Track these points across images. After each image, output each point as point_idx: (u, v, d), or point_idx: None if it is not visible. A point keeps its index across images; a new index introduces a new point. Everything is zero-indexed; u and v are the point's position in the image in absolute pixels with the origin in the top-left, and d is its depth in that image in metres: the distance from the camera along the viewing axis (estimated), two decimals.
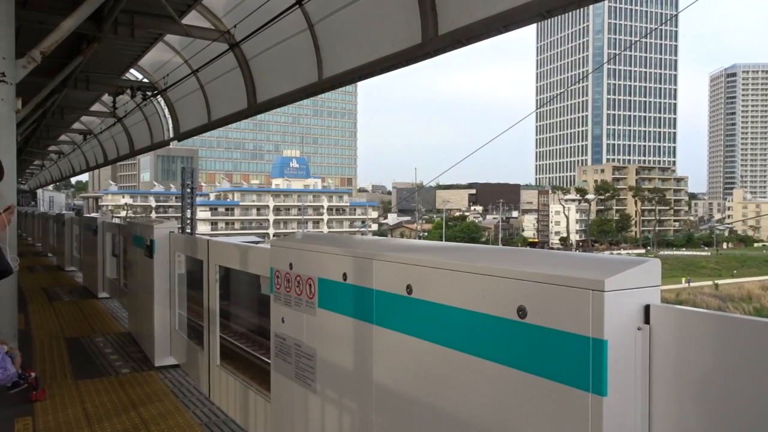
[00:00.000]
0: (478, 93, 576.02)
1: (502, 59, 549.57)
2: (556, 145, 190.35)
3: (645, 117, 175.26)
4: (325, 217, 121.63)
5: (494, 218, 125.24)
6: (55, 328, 8.84)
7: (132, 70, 11.99)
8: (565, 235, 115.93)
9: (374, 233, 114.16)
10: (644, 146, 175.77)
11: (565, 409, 1.75)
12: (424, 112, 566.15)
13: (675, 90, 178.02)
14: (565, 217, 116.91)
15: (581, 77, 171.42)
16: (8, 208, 3.97)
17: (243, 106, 10.17)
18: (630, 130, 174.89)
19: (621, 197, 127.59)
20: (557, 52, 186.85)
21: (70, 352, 7.40)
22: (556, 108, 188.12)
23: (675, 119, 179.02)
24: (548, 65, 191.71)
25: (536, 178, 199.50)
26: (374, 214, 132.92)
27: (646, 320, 1.72)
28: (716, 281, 78.02)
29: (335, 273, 2.96)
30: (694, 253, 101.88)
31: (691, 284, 76.00)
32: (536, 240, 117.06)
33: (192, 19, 8.59)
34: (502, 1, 5.07)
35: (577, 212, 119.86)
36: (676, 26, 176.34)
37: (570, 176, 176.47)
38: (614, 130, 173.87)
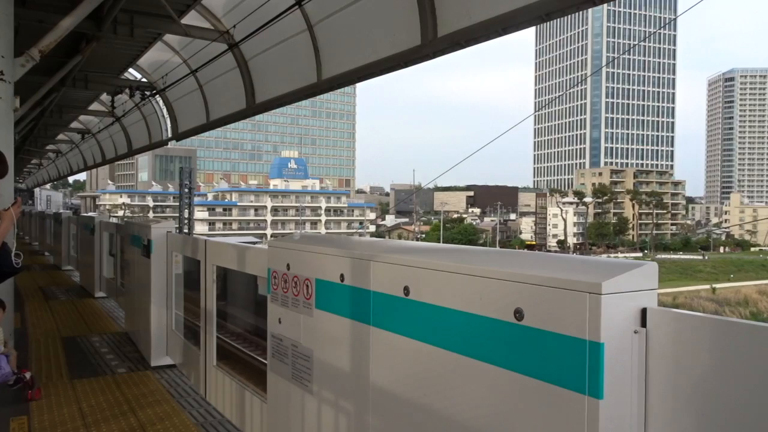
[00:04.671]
0: (476, 95, 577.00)
1: (502, 62, 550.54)
2: (554, 147, 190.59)
3: (643, 120, 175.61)
4: (323, 218, 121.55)
5: (492, 220, 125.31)
6: (52, 327, 8.82)
7: (131, 70, 11.97)
8: (562, 237, 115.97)
9: (372, 234, 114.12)
10: (642, 150, 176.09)
11: (562, 412, 1.75)
12: (423, 114, 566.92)
13: (673, 94, 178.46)
14: (563, 220, 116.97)
15: (580, 80, 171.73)
16: (15, 202, 4.09)
17: (242, 106, 10.16)
18: (628, 134, 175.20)
19: (618, 200, 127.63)
20: (556, 55, 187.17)
21: (66, 351, 7.39)
22: (555, 111, 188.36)
23: (673, 123, 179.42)
24: (547, 68, 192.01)
25: (534, 181, 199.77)
26: (372, 216, 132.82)
27: (643, 323, 1.72)
28: (713, 285, 78.09)
29: (332, 274, 2.96)
30: (691, 257, 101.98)
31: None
32: (534, 242, 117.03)
33: (191, 19, 8.58)
34: (501, 4, 5.07)
35: (574, 215, 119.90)
36: (675, 30, 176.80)
37: (568, 179, 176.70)
38: (612, 133, 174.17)
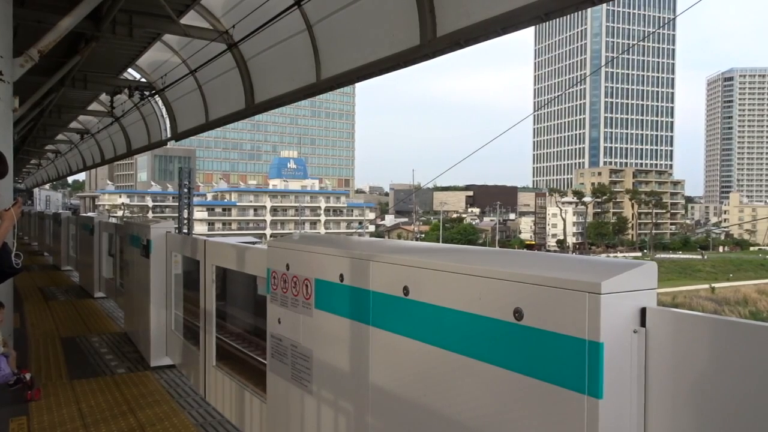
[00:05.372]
0: (476, 95, 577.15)
1: (501, 62, 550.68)
2: (554, 147, 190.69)
3: (642, 120, 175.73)
4: (323, 218, 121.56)
5: (491, 220, 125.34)
6: (51, 327, 8.81)
7: (130, 70, 11.97)
8: (561, 237, 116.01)
9: (371, 234, 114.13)
10: (641, 149, 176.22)
11: (561, 412, 1.75)
12: (422, 114, 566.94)
13: (672, 93, 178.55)
14: (562, 220, 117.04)
15: (579, 80, 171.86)
16: (16, 202, 4.12)
17: (241, 106, 10.16)
18: (627, 133, 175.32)
19: (618, 200, 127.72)
20: (555, 55, 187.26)
21: (65, 351, 7.38)
22: (554, 111, 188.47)
23: (672, 123, 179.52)
24: (546, 68, 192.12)
25: (533, 181, 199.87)
26: (371, 216, 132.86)
27: (642, 323, 1.72)
28: (713, 285, 78.16)
29: (332, 274, 2.96)
30: (690, 256, 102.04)
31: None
32: (533, 242, 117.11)
33: (190, 18, 8.58)
34: (500, 4, 5.07)
35: (574, 215, 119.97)
36: (674, 30, 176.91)
37: (567, 179, 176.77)
38: (611, 133, 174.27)
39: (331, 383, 3.02)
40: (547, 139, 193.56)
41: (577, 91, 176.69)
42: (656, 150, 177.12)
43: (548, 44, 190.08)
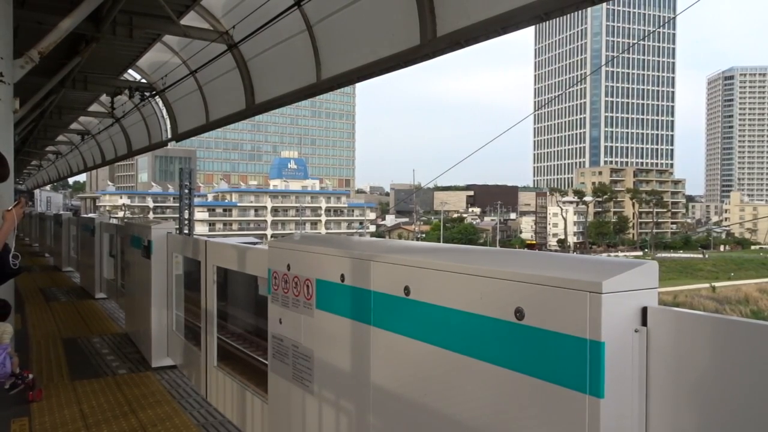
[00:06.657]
0: (476, 95, 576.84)
1: (501, 61, 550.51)
2: (554, 147, 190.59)
3: (643, 119, 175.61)
4: (323, 218, 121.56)
5: (492, 220, 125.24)
6: (52, 328, 8.82)
7: (130, 71, 11.98)
8: (562, 237, 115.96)
9: (372, 234, 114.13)
10: (642, 149, 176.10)
11: (563, 411, 1.75)
12: (423, 114, 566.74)
13: (672, 92, 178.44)
14: (563, 219, 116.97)
15: (579, 79, 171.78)
16: (18, 202, 4.14)
17: (241, 106, 10.17)
18: (628, 133, 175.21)
19: (619, 199, 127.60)
20: (555, 54, 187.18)
21: (66, 352, 7.39)
22: (554, 110, 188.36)
23: (673, 122, 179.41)
24: (546, 67, 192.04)
25: (534, 180, 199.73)
26: (372, 216, 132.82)
27: (644, 322, 1.72)
28: (714, 284, 78.10)
29: (333, 274, 2.96)
30: (691, 255, 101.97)
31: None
32: (534, 242, 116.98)
33: (190, 19, 8.58)
34: (500, 3, 5.07)
35: (574, 214, 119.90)
36: (674, 29, 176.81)
37: (568, 178, 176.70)
38: (612, 132, 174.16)
39: (332, 383, 3.02)
40: (547, 139, 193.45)
41: (577, 90, 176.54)
42: (657, 149, 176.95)
43: (548, 44, 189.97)
